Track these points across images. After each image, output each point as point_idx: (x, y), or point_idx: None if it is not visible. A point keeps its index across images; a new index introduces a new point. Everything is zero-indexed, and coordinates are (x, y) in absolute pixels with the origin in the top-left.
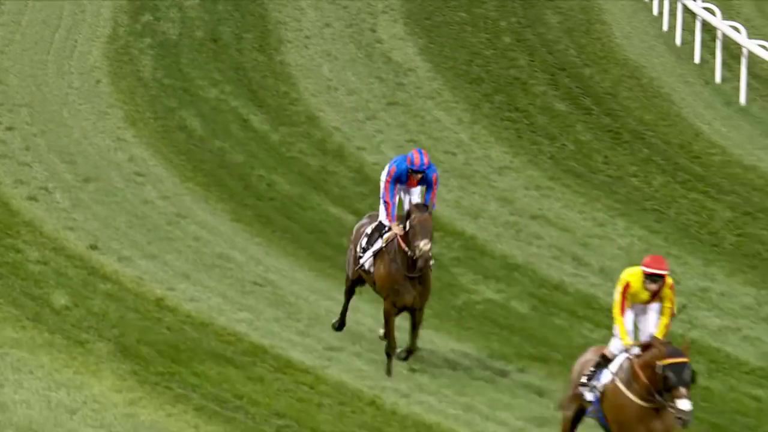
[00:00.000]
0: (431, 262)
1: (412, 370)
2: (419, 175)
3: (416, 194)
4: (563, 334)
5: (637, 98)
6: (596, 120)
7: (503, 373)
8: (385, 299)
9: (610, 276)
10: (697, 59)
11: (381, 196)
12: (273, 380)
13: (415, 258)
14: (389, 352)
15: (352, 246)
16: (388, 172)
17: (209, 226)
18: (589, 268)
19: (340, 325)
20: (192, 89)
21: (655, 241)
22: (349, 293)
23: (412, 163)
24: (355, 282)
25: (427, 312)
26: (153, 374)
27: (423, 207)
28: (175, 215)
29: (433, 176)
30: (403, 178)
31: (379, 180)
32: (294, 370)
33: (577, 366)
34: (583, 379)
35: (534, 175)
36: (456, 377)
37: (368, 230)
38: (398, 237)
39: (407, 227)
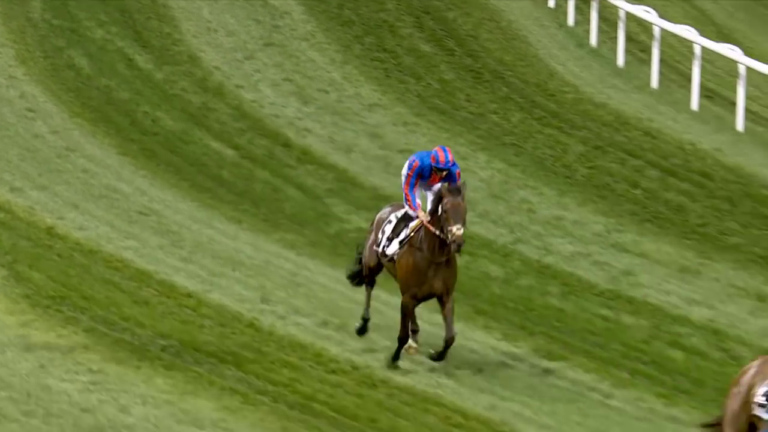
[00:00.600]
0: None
1: (288, 294)
2: (444, 173)
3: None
4: None
5: (497, 40)
6: (459, 60)
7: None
8: (404, 293)
9: (472, 206)
10: (551, 3)
11: (402, 188)
12: (158, 303)
13: (447, 242)
14: (402, 339)
15: (371, 234)
16: (410, 166)
17: (97, 159)
18: None
19: (362, 327)
20: (80, 30)
21: (514, 173)
22: (369, 284)
23: (437, 161)
24: (374, 271)
25: (301, 240)
26: (44, 298)
27: (456, 191)
28: (64, 149)
29: (457, 172)
30: (425, 174)
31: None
32: (178, 294)
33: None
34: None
35: (401, 112)
36: (329, 300)
37: (392, 218)
38: (425, 223)
39: (439, 211)
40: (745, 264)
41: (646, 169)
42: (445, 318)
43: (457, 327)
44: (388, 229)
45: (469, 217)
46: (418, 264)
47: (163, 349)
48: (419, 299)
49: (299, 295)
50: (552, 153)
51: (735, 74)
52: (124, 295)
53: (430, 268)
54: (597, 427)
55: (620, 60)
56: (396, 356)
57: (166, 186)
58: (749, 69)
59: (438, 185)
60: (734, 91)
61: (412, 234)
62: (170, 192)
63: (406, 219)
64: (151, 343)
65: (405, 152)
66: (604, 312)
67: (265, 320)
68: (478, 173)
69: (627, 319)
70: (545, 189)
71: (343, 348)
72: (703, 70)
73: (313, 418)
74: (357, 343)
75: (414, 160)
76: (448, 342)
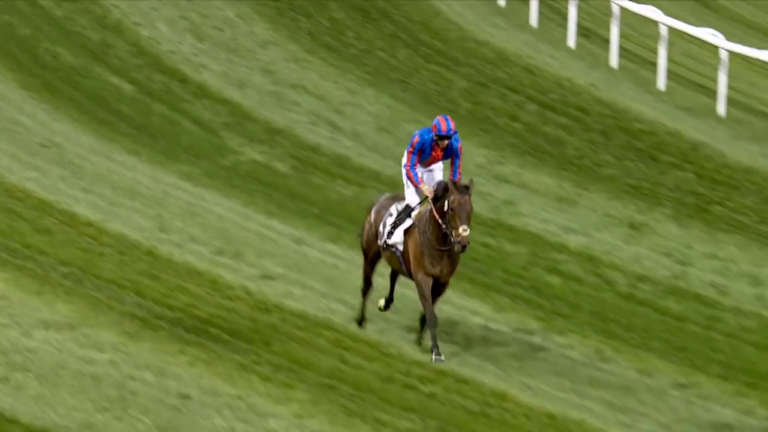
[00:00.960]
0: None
1: (185, 224)
2: (445, 142)
3: (438, 170)
4: (320, 191)
5: None
6: None
7: (267, 227)
8: (416, 274)
9: (361, 140)
10: None
11: (403, 166)
12: (59, 232)
13: (452, 241)
14: (432, 322)
15: (369, 224)
16: (411, 143)
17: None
18: (342, 132)
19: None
20: None
21: (401, 108)
22: (370, 271)
23: (438, 129)
24: (374, 261)
25: (198, 171)
26: None
27: (464, 188)
28: None
29: (459, 146)
30: (426, 149)
31: None
32: (78, 224)
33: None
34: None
35: (293, 49)
36: (224, 229)
37: (393, 211)
38: (432, 209)
39: (445, 207)
40: (618, 194)
41: (526, 104)
42: (434, 298)
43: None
44: (390, 221)
45: (360, 150)
46: (424, 246)
47: (65, 276)
48: (434, 278)
49: (196, 225)
50: (437, 89)
51: (609, 14)
52: (27, 224)
53: (435, 253)
54: (480, 350)
55: (502, 0)
56: (435, 345)
57: (66, 119)
58: (623, 9)
59: (439, 173)
60: (609, 29)
61: (416, 222)
62: (71, 125)
63: (407, 210)
64: (52, 270)
65: (297, 87)
66: (487, 240)
67: (162, 248)
68: (367, 108)
69: (508, 247)
70: (430, 123)
71: (238, 275)
72: (580, 10)
73: (210, 342)
74: (251, 269)
75: (414, 137)
76: (426, 322)
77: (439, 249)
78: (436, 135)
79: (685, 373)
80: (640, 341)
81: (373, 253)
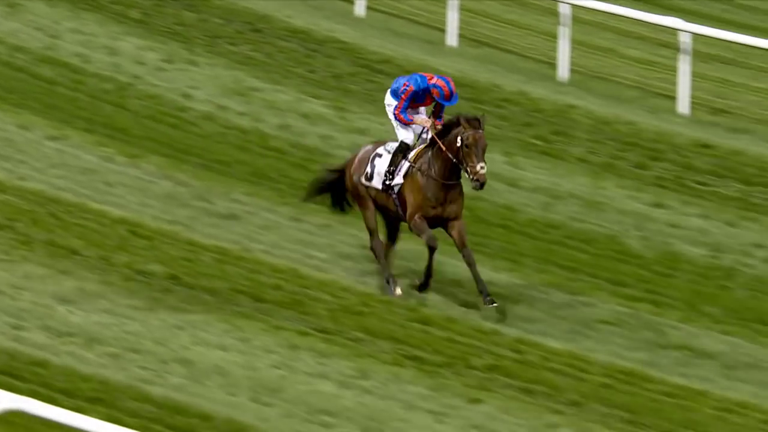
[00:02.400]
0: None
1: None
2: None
3: (423, 110)
4: None
5: None
6: None
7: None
8: (411, 216)
9: None
10: None
11: (392, 110)
12: None
13: (471, 179)
14: (431, 249)
15: (356, 168)
16: (403, 91)
17: None
18: None
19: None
20: None
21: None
22: (338, 205)
23: (441, 96)
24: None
25: None
26: None
27: (477, 122)
28: None
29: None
30: (418, 99)
31: None
32: None
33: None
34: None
35: None
36: None
37: (381, 152)
38: (439, 143)
39: (458, 142)
40: None
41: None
42: (461, 247)
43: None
44: (380, 162)
45: None
46: (429, 187)
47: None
48: (431, 221)
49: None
50: None
51: None
52: None
53: (442, 191)
54: None
55: None
56: (426, 283)
57: None
58: None
59: (423, 111)
60: None
61: (416, 159)
62: None
63: (403, 150)
64: None
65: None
66: None
67: None
68: None
69: None
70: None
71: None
72: None
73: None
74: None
75: (408, 86)
76: (471, 265)
77: (445, 184)
78: (438, 101)
79: (56, 127)
80: (19, 101)
81: (371, 200)
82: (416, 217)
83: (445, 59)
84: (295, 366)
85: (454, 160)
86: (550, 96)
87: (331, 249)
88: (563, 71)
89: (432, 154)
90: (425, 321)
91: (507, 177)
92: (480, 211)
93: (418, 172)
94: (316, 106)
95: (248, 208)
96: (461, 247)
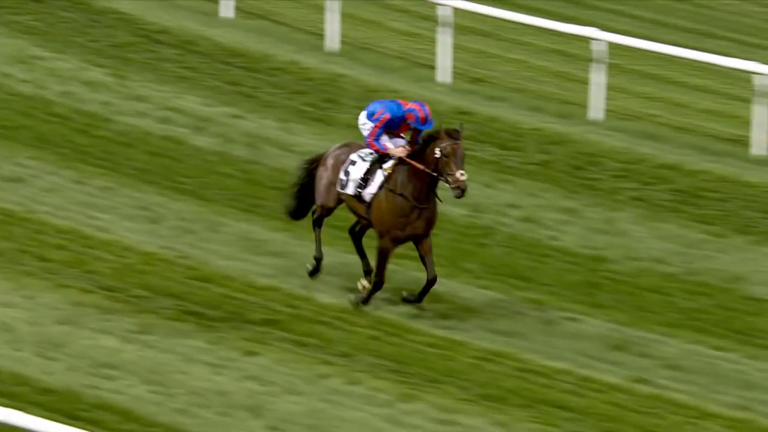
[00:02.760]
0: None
1: None
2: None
3: (404, 140)
4: None
5: None
6: None
7: None
8: (383, 235)
9: None
10: None
11: (365, 137)
12: None
13: (452, 187)
14: (378, 284)
15: (325, 174)
16: (378, 119)
17: None
18: None
19: (315, 268)
20: None
21: None
22: (320, 224)
23: (417, 120)
24: (330, 211)
25: None
26: None
27: (456, 133)
28: None
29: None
30: (393, 127)
31: None
32: None
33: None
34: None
35: None
36: None
37: (355, 158)
38: (413, 164)
39: (437, 154)
40: None
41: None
42: (424, 258)
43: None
44: (355, 170)
45: None
46: (402, 208)
47: None
48: (401, 242)
49: None
50: None
51: None
52: None
53: (414, 212)
54: None
55: None
56: (367, 300)
57: None
58: None
59: (401, 141)
60: None
61: (389, 175)
62: None
63: (379, 160)
64: None
65: None
66: None
67: None
68: None
69: None
70: None
71: None
72: None
73: None
74: None
75: (384, 113)
76: (431, 282)
77: (417, 207)
78: (413, 126)
79: None
80: None
81: (333, 205)
82: (384, 243)
83: (220, 30)
84: (80, 322)
85: (434, 174)
86: (320, 66)
87: (113, 211)
88: (333, 42)
89: (407, 175)
90: (204, 279)
91: (280, 142)
92: (256, 174)
93: (391, 193)
94: (97, 74)
95: (32, 171)
96: (427, 261)
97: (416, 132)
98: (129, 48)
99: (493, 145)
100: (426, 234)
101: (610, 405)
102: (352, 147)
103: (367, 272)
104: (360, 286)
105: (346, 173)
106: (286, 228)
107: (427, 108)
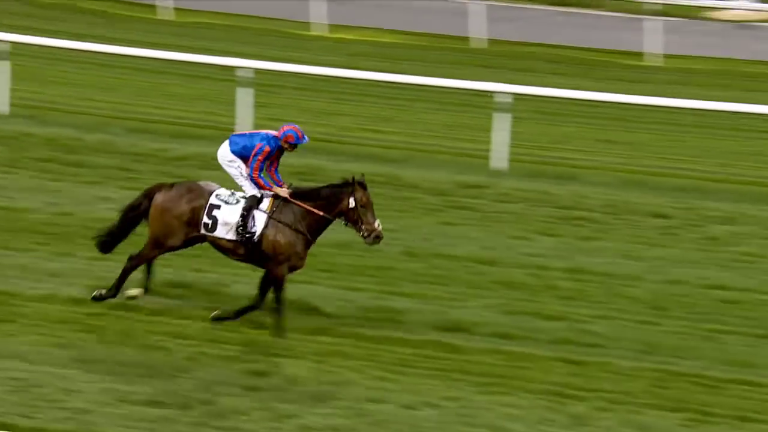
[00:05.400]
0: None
1: None
2: (294, 148)
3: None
4: None
5: None
6: None
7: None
8: (279, 265)
9: None
10: None
11: (249, 176)
12: None
13: (365, 236)
14: (280, 310)
15: (174, 214)
16: (260, 151)
17: None
18: None
19: (114, 293)
20: None
21: None
22: (150, 263)
23: (296, 139)
24: (175, 249)
25: None
26: None
27: (365, 185)
28: None
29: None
30: (270, 155)
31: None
32: None
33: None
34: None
35: None
36: None
37: (213, 200)
38: (314, 210)
39: (352, 203)
40: None
41: None
42: (264, 287)
43: None
44: (223, 213)
45: None
46: (297, 241)
47: None
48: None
49: None
50: None
51: None
52: None
53: (304, 246)
54: None
55: None
56: (238, 314)
57: None
58: None
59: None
60: None
61: (275, 214)
62: None
63: (254, 200)
64: None
65: None
66: None
67: None
68: None
69: None
70: None
71: None
72: None
73: None
74: None
75: (263, 146)
76: (255, 307)
77: (311, 241)
78: (289, 144)
79: None
80: None
81: (180, 244)
82: (280, 272)
83: None
84: None
85: (344, 221)
86: None
87: None
88: None
89: (299, 213)
90: None
91: None
92: None
93: (287, 227)
94: None
95: None
96: (265, 290)
97: (278, 154)
98: None
99: None
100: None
101: None
102: (204, 187)
103: (117, 287)
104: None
105: (212, 217)
106: None
107: (297, 125)
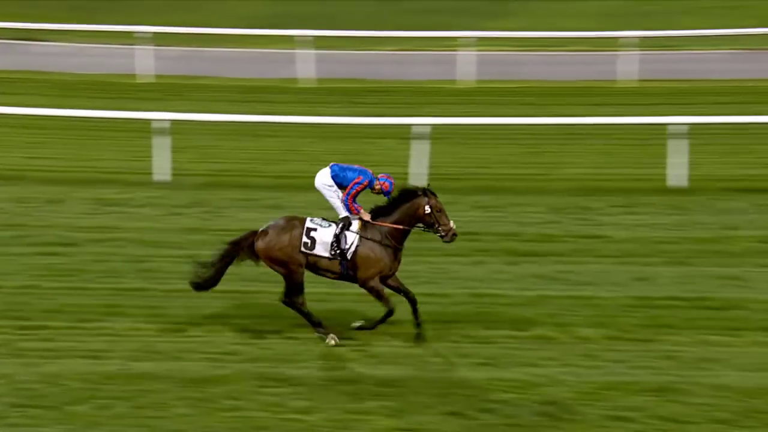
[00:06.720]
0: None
1: None
2: (379, 194)
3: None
4: None
5: None
6: None
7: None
8: (371, 278)
9: None
10: None
11: (344, 200)
12: None
13: (443, 235)
14: (390, 312)
15: (283, 245)
16: (360, 183)
17: None
18: None
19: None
20: None
21: None
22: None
23: (388, 189)
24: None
25: None
26: None
27: (432, 192)
28: None
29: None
30: (366, 188)
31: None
32: None
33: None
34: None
35: None
36: None
37: (309, 224)
38: (392, 226)
39: (427, 210)
40: None
41: None
42: (405, 292)
43: None
44: (319, 234)
45: None
46: (386, 254)
47: None
48: (385, 279)
49: None
50: None
51: None
52: None
53: (392, 256)
54: None
55: None
56: (377, 324)
57: None
58: None
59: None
60: None
61: (364, 234)
62: None
63: (347, 221)
64: None
65: None
66: None
67: None
68: None
69: None
70: None
71: None
72: None
73: None
74: None
75: (363, 180)
76: (413, 301)
77: (398, 248)
78: (380, 189)
79: None
80: None
81: (300, 265)
82: (373, 282)
83: None
84: None
85: (422, 227)
86: None
87: None
88: None
89: (385, 231)
90: None
91: None
92: None
93: (375, 243)
94: None
95: None
96: (404, 291)
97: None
98: None
99: None
100: (395, 272)
101: None
102: (293, 219)
103: (315, 324)
104: (332, 342)
105: (311, 237)
106: None
107: (392, 179)
